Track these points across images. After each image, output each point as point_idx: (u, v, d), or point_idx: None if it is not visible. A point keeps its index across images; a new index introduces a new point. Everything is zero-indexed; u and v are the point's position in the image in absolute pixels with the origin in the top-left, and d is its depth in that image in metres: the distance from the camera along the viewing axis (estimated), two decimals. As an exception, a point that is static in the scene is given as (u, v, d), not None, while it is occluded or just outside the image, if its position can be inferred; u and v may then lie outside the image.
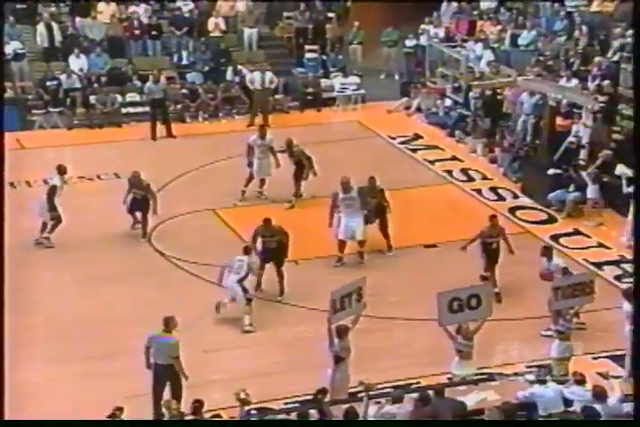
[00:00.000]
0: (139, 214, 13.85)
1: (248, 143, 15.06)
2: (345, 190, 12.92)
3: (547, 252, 11.80)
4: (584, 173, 14.36)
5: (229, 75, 20.08)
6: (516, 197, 15.60)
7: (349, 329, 9.48)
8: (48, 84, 19.19)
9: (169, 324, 9.52)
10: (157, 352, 9.46)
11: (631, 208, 13.16)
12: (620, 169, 14.14)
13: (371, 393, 8.70)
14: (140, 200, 13.73)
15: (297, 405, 9.69)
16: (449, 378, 9.74)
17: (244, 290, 11.32)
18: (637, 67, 7.59)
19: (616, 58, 17.77)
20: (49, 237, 13.44)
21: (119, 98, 19.39)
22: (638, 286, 7.07)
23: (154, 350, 9.48)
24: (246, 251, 11.72)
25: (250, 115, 19.07)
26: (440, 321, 9.52)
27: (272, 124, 18.86)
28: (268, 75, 19.23)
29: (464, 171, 16.59)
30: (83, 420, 8.59)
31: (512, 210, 15.04)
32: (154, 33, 20.86)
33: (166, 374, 9.44)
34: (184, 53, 20.83)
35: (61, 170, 13.68)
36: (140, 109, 19.43)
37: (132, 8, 20.96)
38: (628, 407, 8.68)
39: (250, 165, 14.96)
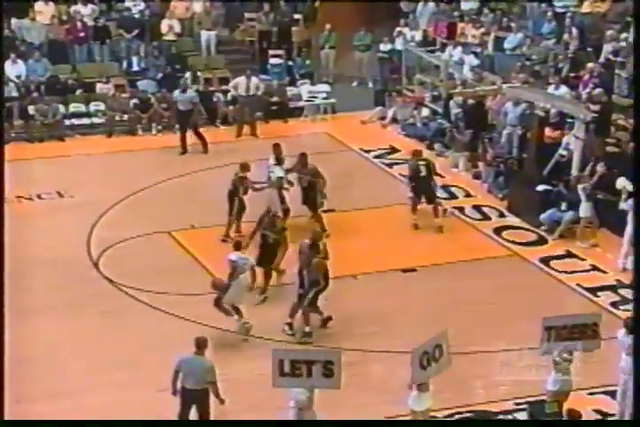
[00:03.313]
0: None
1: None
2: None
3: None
4: (580, 189, 14.55)
5: (182, 82, 20.21)
6: (501, 215, 15.83)
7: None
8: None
9: (201, 346, 9.71)
10: (190, 376, 9.65)
11: (628, 225, 13.47)
12: (621, 182, 14.18)
13: None
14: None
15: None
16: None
17: None
18: (637, 67, 7.87)
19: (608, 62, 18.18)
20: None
21: (61, 108, 19.41)
22: (637, 293, 7.28)
23: (184, 374, 9.67)
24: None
25: (237, 124, 19.26)
26: (413, 379, 9.48)
27: (231, 136, 19.10)
28: (254, 80, 19.44)
29: (445, 187, 16.76)
30: (83, 420, 8.85)
31: (498, 230, 15.27)
32: (100, 36, 20.98)
33: (196, 400, 9.68)
34: (134, 59, 20.95)
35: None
36: (85, 121, 19.53)
37: (75, 7, 21.06)
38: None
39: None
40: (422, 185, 15.16)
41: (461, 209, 16.01)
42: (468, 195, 16.63)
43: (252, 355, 11.57)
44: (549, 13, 20.72)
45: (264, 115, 19.99)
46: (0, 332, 6.91)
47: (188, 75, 20.32)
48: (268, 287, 12.93)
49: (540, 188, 15.50)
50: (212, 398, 9.86)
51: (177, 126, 18.52)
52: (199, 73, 20.48)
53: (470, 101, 18.47)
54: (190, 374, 9.68)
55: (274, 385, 9.33)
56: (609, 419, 9.06)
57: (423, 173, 15.16)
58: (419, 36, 21.82)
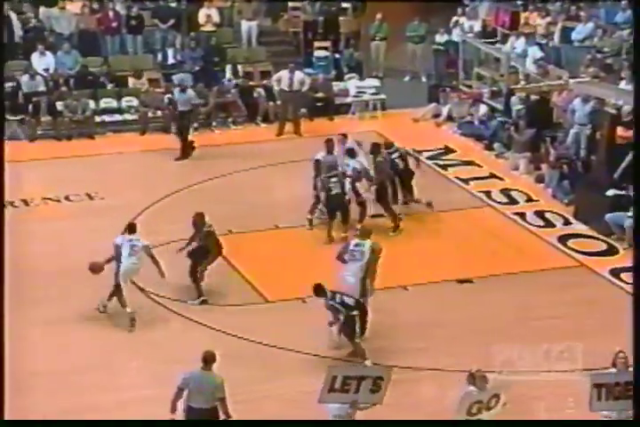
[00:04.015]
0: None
1: (318, 159, 15.24)
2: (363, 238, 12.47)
3: None
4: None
5: (228, 75, 20.35)
6: (567, 222, 15.71)
7: None
8: (5, 86, 19.49)
9: (209, 360, 9.69)
10: (198, 394, 9.59)
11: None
12: None
13: None
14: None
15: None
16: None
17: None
18: (637, 66, 8.01)
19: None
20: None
21: (92, 104, 19.65)
22: (637, 291, 7.23)
23: (190, 392, 9.60)
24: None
25: (279, 122, 19.40)
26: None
27: (271, 134, 19.18)
28: (298, 74, 19.50)
29: (505, 191, 16.74)
30: (83, 420, 9.07)
31: (563, 238, 15.14)
32: (133, 26, 21.20)
33: (204, 419, 9.62)
34: (170, 51, 21.15)
35: (352, 153, 15.23)
36: (116, 118, 19.72)
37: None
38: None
39: (316, 186, 15.16)
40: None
41: (522, 215, 15.90)
42: (529, 199, 16.51)
43: (292, 371, 11.59)
44: (623, 1, 20.51)
45: (308, 111, 20.05)
46: (0, 336, 7.60)
47: (228, 68, 20.48)
48: (200, 290, 13.16)
49: (610, 192, 15.35)
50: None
51: (174, 128, 18.42)
52: (239, 66, 20.61)
53: (534, 98, 18.36)
54: (198, 392, 9.56)
55: (320, 401, 9.35)
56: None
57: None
58: (478, 26, 21.76)
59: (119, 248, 12.59)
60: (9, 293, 13.18)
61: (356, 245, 12.25)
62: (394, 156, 15.50)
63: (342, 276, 12.18)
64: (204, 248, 13.14)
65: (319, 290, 11.81)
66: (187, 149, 18.00)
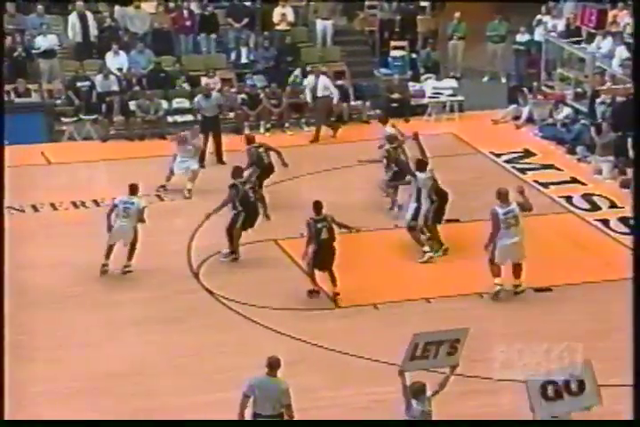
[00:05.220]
0: None
1: (391, 134, 15.91)
2: (505, 204, 13.10)
3: None
4: None
5: (296, 76, 20.48)
6: (654, 230, 15.47)
7: (426, 388, 9.45)
8: (79, 85, 19.87)
9: (274, 366, 9.71)
10: (265, 401, 9.59)
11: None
12: None
13: None
14: None
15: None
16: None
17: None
18: (637, 65, 7.94)
19: None
20: None
21: (164, 104, 19.91)
22: (637, 285, 7.49)
23: (257, 398, 9.61)
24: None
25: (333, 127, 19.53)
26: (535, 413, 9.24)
27: (351, 136, 19.15)
28: (323, 80, 19.48)
29: (587, 197, 16.55)
30: (82, 420, 9.29)
31: (649, 247, 14.89)
32: (207, 25, 21.42)
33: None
34: (243, 50, 21.33)
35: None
36: (188, 118, 19.91)
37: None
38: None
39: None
40: None
41: (606, 222, 15.69)
42: (613, 206, 16.27)
43: (362, 378, 11.57)
44: None
45: (383, 113, 20.02)
46: (0, 329, 7.82)
47: (297, 71, 20.56)
48: (236, 248, 14.28)
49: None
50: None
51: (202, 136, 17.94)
52: (309, 67, 20.67)
53: (620, 99, 18.08)
54: (266, 399, 9.54)
55: (401, 370, 9.39)
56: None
57: None
58: (561, 25, 21.51)
59: (114, 208, 13.64)
60: (82, 295, 13.50)
61: (507, 212, 12.98)
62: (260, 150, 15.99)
63: (509, 243, 13.05)
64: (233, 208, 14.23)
65: None
66: (221, 155, 17.97)
